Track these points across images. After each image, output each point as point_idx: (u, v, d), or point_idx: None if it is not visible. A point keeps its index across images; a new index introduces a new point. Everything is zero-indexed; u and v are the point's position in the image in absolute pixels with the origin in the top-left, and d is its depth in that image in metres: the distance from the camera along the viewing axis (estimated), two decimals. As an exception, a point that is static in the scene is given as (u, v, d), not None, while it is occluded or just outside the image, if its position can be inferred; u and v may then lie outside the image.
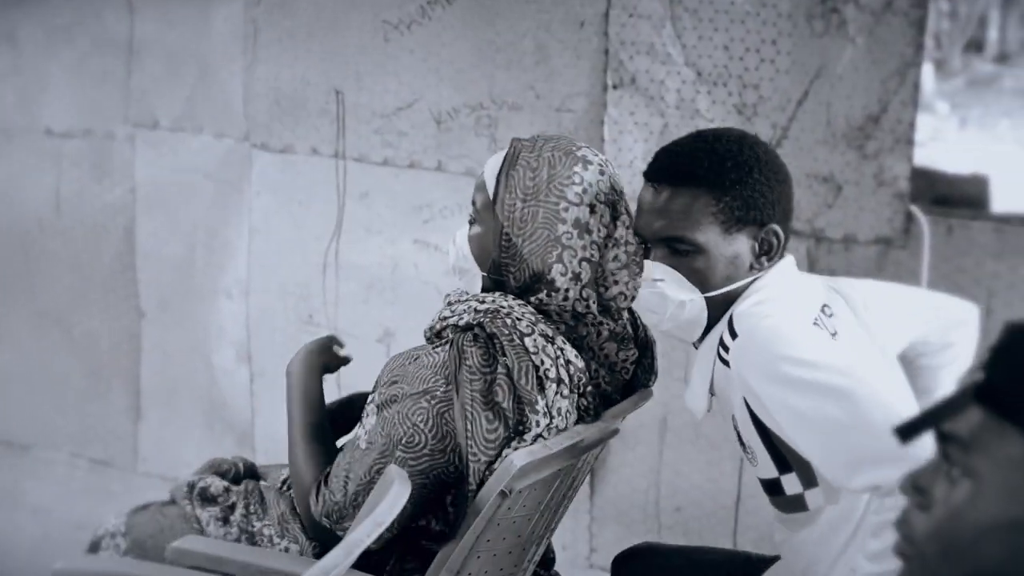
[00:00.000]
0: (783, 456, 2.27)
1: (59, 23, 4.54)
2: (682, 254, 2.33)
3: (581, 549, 4.01)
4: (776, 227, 2.34)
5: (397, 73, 4.00)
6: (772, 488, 2.33)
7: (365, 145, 4.10)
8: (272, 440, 4.45)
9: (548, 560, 2.78)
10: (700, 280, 2.32)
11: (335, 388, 4.26)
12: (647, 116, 3.67)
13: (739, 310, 2.29)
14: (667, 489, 3.85)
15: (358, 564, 2.35)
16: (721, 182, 2.30)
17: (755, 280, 2.34)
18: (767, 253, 2.35)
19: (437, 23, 3.91)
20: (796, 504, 2.32)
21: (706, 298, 2.32)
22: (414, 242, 4.09)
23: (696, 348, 2.44)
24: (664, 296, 2.34)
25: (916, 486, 1.31)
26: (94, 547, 2.70)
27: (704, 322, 2.36)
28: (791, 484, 2.30)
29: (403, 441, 2.29)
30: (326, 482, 2.40)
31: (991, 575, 1.24)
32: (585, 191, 2.33)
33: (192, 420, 4.64)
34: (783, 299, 2.31)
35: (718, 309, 2.34)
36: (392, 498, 2.14)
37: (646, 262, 2.39)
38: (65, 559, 2.54)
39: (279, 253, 4.34)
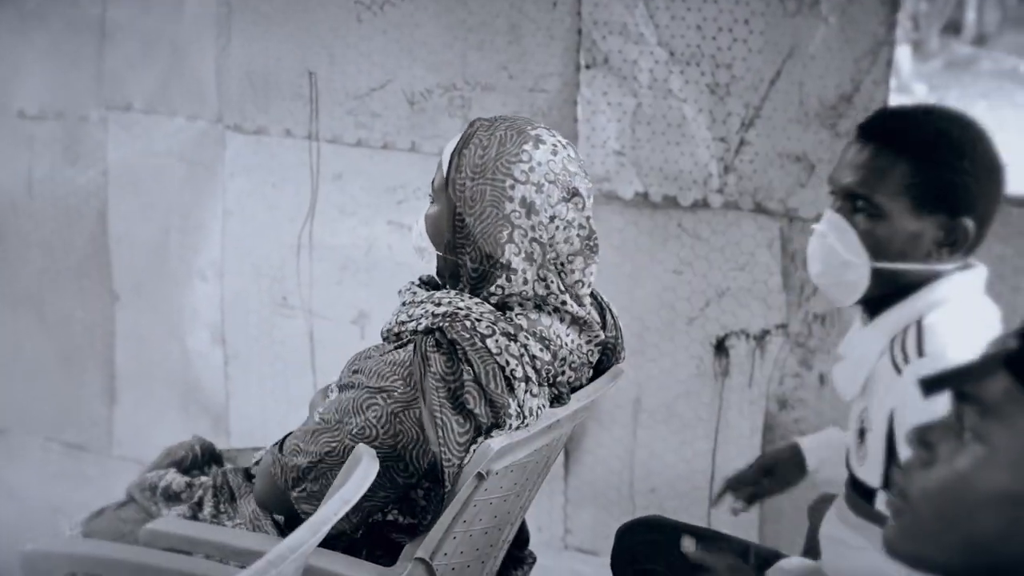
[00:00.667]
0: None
1: (31, 6, 4.50)
2: (863, 214, 2.25)
3: (556, 530, 4.01)
4: (968, 221, 2.22)
5: (370, 54, 3.98)
6: (864, 494, 2.27)
7: (339, 126, 4.08)
8: (247, 422, 4.45)
9: (522, 540, 2.79)
10: (873, 246, 2.24)
11: (310, 371, 4.26)
12: (620, 96, 3.65)
13: (931, 321, 2.19)
14: (641, 470, 3.85)
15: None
16: (928, 157, 2.20)
17: (939, 280, 2.24)
18: (951, 245, 2.24)
19: (410, 4, 3.89)
20: (876, 519, 2.25)
21: (873, 268, 2.25)
22: (388, 223, 4.08)
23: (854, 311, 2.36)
24: (832, 250, 2.28)
25: (923, 440, 1.27)
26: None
27: (862, 290, 2.28)
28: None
29: (354, 432, 2.29)
30: (280, 448, 2.42)
31: (982, 546, 1.21)
32: (532, 169, 2.31)
33: (167, 403, 4.62)
34: (974, 326, 2.19)
35: (883, 285, 2.26)
36: (360, 476, 2.14)
37: (825, 210, 2.32)
38: (35, 541, 2.53)
39: (253, 235, 4.32)
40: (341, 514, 2.05)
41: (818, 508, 2.66)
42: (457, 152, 2.37)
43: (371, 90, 4.00)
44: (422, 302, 2.35)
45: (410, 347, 2.29)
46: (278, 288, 4.31)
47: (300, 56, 4.10)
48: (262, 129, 4.21)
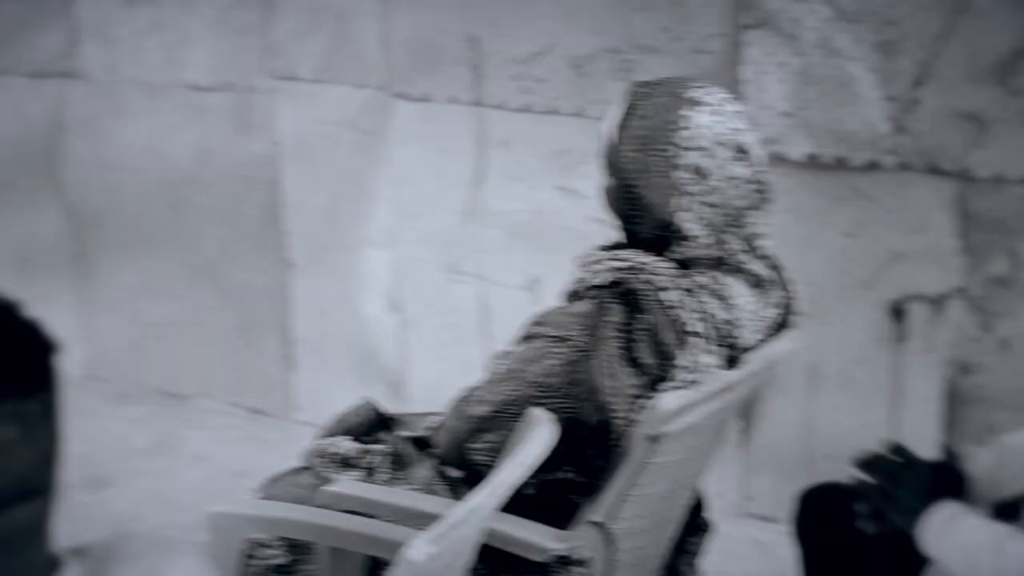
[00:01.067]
0: None
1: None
2: None
3: (735, 497, 4.10)
4: None
5: (533, 18, 4.09)
6: None
7: (503, 92, 4.21)
8: (423, 387, 4.63)
9: (698, 507, 2.88)
10: None
11: (484, 337, 4.40)
12: (786, 56, 3.70)
13: None
14: (819, 436, 3.92)
15: (508, 510, 2.44)
16: None
17: None
18: None
19: (576, -33, 3.98)
20: None
21: None
22: (556, 188, 4.19)
23: None
24: None
25: None
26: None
27: None
28: None
29: (532, 380, 2.40)
30: (463, 401, 2.54)
31: None
32: (696, 134, 2.38)
33: (344, 369, 4.82)
34: None
35: None
36: (536, 440, 2.25)
37: None
38: (220, 503, 2.70)
39: (422, 202, 4.49)
40: (520, 478, 2.17)
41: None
42: (619, 125, 2.46)
43: (535, 55, 4.11)
44: (603, 259, 2.46)
45: (591, 299, 2.41)
46: (449, 254, 4.46)
47: (463, 22, 4.23)
48: (427, 96, 4.36)
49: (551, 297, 2.58)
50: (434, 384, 4.55)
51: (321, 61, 4.56)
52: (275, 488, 2.81)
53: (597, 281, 2.41)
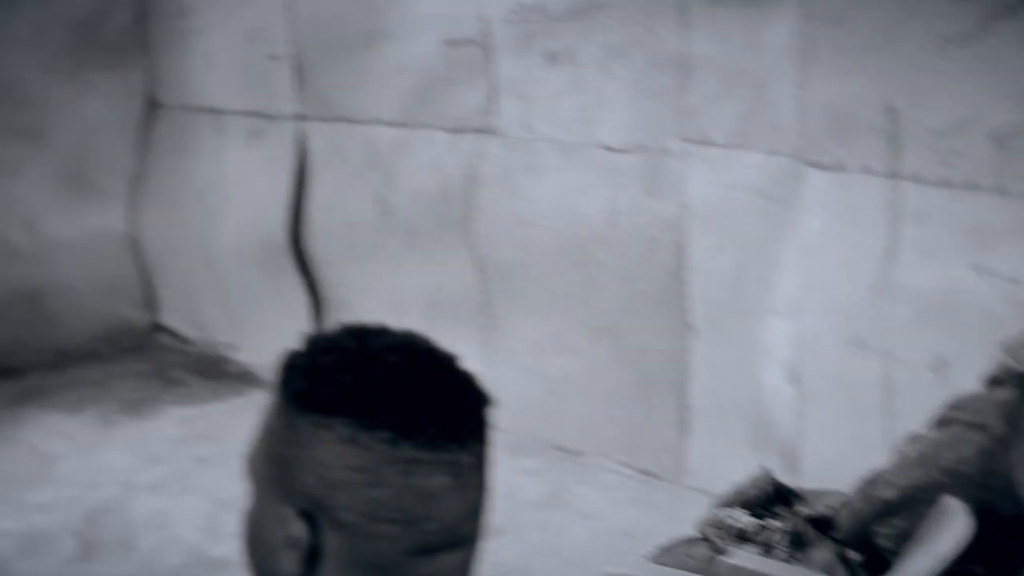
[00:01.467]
0: None
1: (615, 41, 4.84)
2: None
3: None
4: None
5: (955, 89, 4.03)
6: None
7: (920, 164, 4.15)
8: (819, 463, 4.56)
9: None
10: None
11: (885, 416, 4.30)
12: None
13: None
14: None
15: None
16: None
17: None
18: None
19: (998, 37, 3.91)
20: None
21: None
22: (972, 267, 4.09)
23: None
24: None
25: None
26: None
27: None
28: None
29: (945, 466, 2.35)
30: (873, 483, 2.49)
31: None
32: None
33: (739, 438, 4.82)
34: None
35: None
36: (951, 531, 2.20)
37: None
38: (619, 564, 2.74)
39: (829, 273, 4.47)
40: (933, 571, 2.13)
41: None
42: None
43: (954, 127, 4.03)
44: None
45: (1015, 387, 2.34)
46: (854, 328, 4.40)
47: (880, 90, 4.21)
48: (840, 165, 4.33)
49: (960, 380, 2.52)
50: (830, 460, 4.50)
51: (735, 126, 4.60)
52: (669, 557, 2.87)
53: (1019, 368, 2.33)
